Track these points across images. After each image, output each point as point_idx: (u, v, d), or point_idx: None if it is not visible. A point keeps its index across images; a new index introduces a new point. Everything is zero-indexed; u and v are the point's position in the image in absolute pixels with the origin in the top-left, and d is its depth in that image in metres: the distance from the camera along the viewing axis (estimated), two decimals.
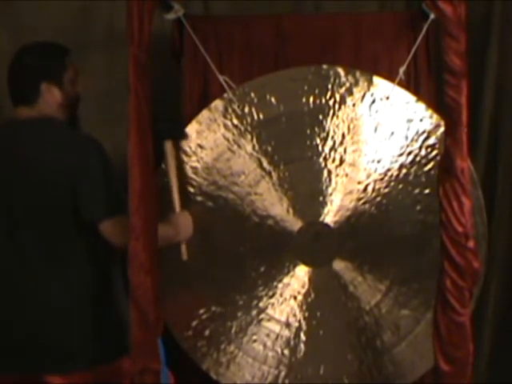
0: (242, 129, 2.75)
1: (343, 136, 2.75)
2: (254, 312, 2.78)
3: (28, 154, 2.38)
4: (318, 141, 2.75)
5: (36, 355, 2.37)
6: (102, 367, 2.39)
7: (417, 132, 2.74)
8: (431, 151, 2.74)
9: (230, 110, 2.75)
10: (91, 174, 2.36)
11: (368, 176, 2.76)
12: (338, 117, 2.75)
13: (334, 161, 2.76)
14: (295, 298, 2.79)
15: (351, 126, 2.75)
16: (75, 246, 2.39)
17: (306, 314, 2.79)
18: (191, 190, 2.72)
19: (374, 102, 2.74)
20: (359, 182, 2.76)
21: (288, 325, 2.79)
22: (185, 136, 2.69)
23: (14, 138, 2.41)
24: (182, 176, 2.68)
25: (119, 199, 2.36)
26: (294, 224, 2.76)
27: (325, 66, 2.74)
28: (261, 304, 2.78)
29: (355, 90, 2.74)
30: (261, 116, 2.75)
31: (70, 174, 2.35)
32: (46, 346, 2.37)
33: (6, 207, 2.38)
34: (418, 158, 2.74)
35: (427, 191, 2.73)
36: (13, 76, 2.46)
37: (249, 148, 2.75)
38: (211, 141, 2.74)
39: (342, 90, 2.74)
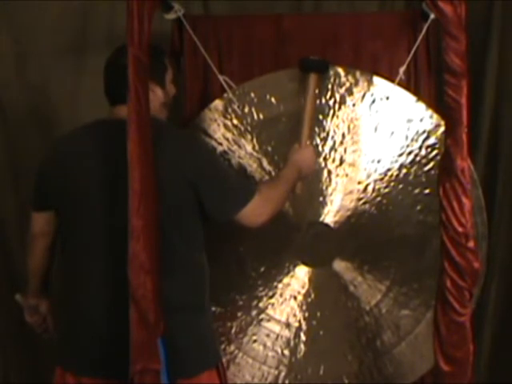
0: (242, 129, 2.75)
1: (343, 136, 2.75)
2: (254, 312, 2.78)
3: None
4: (318, 141, 2.75)
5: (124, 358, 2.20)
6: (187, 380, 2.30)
7: (417, 132, 2.74)
8: (431, 151, 2.74)
9: (229, 110, 2.75)
10: (210, 174, 2.30)
11: (368, 176, 2.76)
12: (337, 117, 2.75)
13: (334, 161, 2.76)
14: (295, 298, 2.79)
15: (351, 126, 2.75)
16: (188, 247, 2.33)
17: (306, 314, 2.79)
18: None
19: (373, 101, 2.74)
20: (359, 182, 2.76)
21: (288, 325, 2.79)
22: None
23: (117, 137, 2.22)
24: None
25: (241, 182, 2.37)
26: (294, 224, 2.76)
27: None
28: (261, 304, 2.78)
29: (355, 90, 2.74)
30: (261, 116, 2.75)
31: (186, 175, 2.26)
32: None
33: (109, 209, 2.28)
34: (418, 158, 2.74)
35: (427, 191, 2.73)
36: (112, 77, 2.37)
37: (249, 148, 2.75)
38: (211, 141, 2.74)
39: (342, 90, 2.74)
